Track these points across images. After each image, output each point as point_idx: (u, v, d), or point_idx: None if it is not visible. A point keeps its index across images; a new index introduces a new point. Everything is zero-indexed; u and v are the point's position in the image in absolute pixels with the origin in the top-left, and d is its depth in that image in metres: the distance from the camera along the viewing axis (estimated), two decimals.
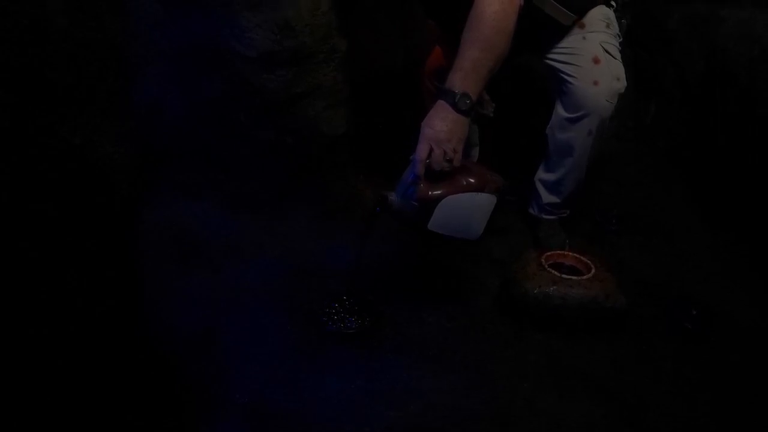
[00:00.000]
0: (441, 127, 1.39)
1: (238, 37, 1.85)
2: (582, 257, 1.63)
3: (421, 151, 1.40)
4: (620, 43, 1.81)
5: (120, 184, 1.09)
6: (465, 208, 1.44)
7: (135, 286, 1.21)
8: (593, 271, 1.57)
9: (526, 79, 1.99)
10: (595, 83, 1.70)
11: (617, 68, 1.73)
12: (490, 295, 1.68)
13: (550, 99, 1.83)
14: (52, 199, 0.94)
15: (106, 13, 1.02)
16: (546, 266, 1.58)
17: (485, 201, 1.46)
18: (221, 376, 1.38)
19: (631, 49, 2.47)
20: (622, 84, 1.73)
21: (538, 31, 1.69)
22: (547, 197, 1.89)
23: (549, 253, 1.65)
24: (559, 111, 1.77)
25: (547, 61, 1.76)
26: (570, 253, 1.66)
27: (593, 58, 1.71)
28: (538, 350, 1.51)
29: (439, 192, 1.41)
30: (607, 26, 1.77)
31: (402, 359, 1.46)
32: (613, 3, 1.83)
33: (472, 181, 1.45)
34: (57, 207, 0.95)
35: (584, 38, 1.73)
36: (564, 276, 1.55)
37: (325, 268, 1.77)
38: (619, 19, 1.85)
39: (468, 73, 1.39)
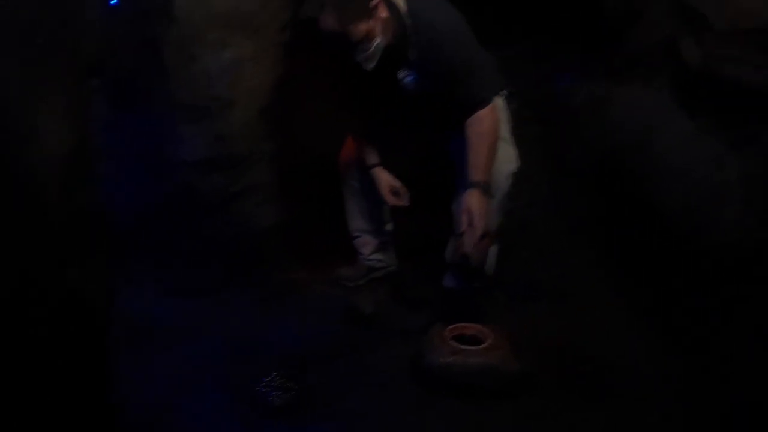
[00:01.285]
0: (485, 205, 1.91)
1: (179, 144, 2.10)
2: (482, 328, 1.85)
3: (483, 217, 1.91)
4: (512, 127, 2.08)
5: (100, 311, 1.29)
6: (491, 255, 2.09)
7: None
8: (489, 340, 1.79)
9: (437, 159, 2.26)
10: None
11: (510, 151, 2.01)
12: (405, 366, 1.87)
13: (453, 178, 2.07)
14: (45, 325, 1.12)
15: (87, 184, 1.25)
16: (448, 339, 1.80)
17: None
18: None
19: (541, 126, 2.74)
20: (514, 164, 2.01)
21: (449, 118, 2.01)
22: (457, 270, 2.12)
23: (453, 326, 1.86)
24: (461, 190, 1.99)
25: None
26: (472, 325, 1.87)
27: None
28: (446, 415, 1.70)
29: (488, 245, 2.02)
30: (499, 114, 2.02)
31: (326, 427, 1.66)
32: (503, 92, 2.10)
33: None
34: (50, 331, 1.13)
35: None
36: (463, 347, 1.77)
37: (261, 348, 1.98)
38: (509, 105, 2.11)
39: (486, 167, 1.92)
